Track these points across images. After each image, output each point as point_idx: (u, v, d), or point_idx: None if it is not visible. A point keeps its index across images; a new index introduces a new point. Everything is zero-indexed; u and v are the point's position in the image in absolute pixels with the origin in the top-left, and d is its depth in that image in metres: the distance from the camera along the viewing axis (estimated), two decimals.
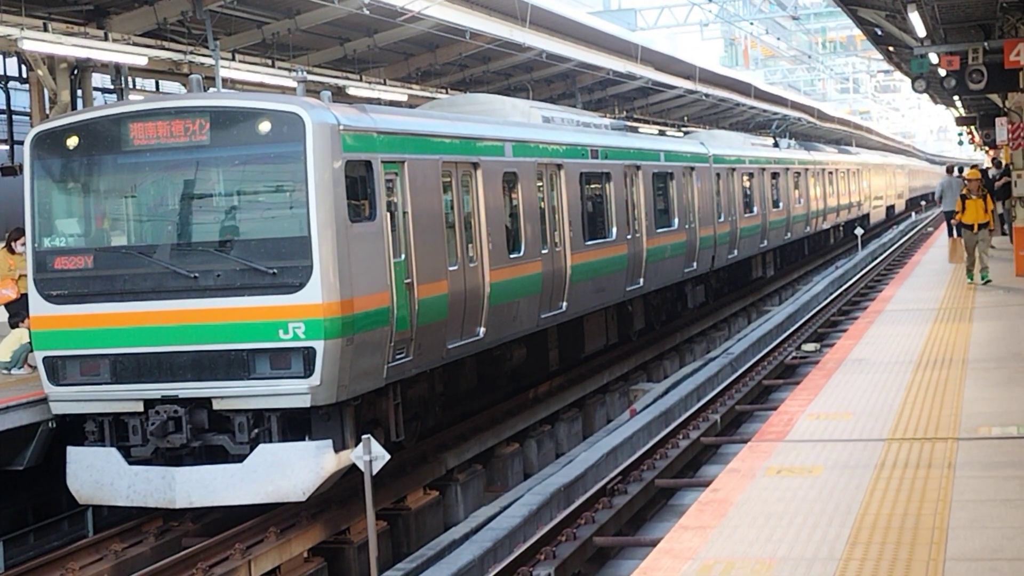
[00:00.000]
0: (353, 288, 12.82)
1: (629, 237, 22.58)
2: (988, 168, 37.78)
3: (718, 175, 29.88)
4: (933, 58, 22.60)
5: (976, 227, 21.61)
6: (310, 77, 25.49)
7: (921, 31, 20.84)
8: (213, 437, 12.86)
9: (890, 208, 66.40)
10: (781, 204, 37.26)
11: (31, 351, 14.43)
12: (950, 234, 32.14)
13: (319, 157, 12.68)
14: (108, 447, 13.11)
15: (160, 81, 26.99)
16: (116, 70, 22.10)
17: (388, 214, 13.77)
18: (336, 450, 12.80)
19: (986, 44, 21.69)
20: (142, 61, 21.61)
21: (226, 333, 12.65)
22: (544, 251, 18.57)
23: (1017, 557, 7.12)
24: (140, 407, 12.93)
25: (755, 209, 33.75)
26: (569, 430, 20.40)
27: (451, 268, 15.29)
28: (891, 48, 29.23)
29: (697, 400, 19.64)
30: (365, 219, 13.33)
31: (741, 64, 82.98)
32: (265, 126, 12.81)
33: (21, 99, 25.37)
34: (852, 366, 14.42)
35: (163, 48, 22.22)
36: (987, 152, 51.71)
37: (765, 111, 57.71)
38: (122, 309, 12.95)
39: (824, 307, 29.70)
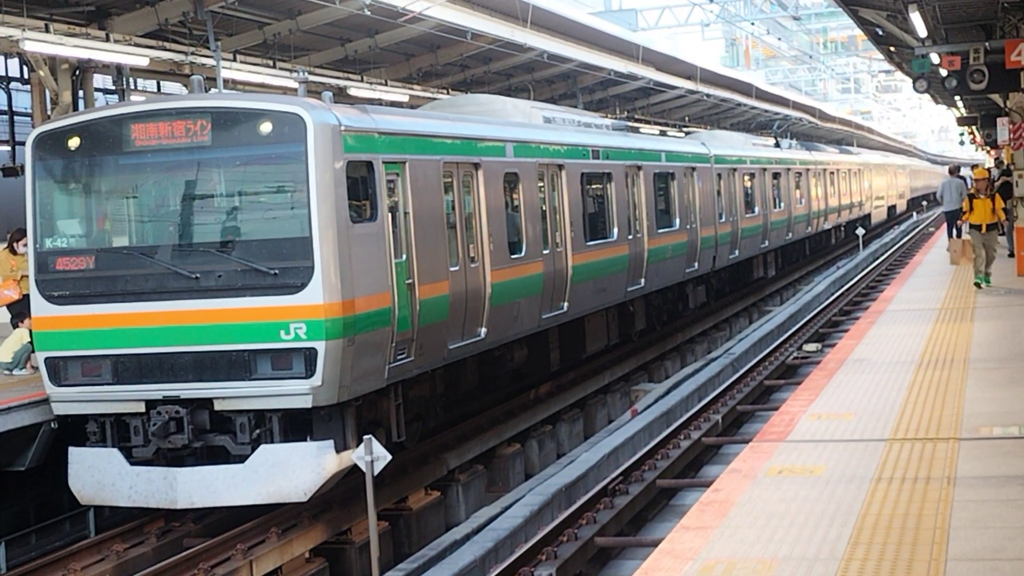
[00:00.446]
0: (354, 289, 12.82)
1: (630, 237, 22.58)
2: (991, 168, 37.82)
3: (719, 175, 29.88)
4: (934, 58, 22.59)
5: (984, 228, 21.33)
6: (311, 78, 25.50)
7: (922, 31, 20.84)
8: (215, 438, 12.86)
9: (891, 208, 66.41)
10: (782, 204, 37.26)
11: (33, 352, 14.44)
12: (949, 235, 32.48)
13: (320, 158, 12.68)
14: (110, 448, 13.12)
15: (161, 82, 27.02)
16: (117, 71, 22.10)
17: (389, 215, 13.78)
18: (337, 450, 12.81)
19: (987, 44, 21.67)
20: (143, 62, 21.61)
21: (227, 334, 12.66)
22: (545, 252, 18.57)
23: (1019, 557, 7.12)
24: (142, 408, 12.93)
25: (756, 209, 33.76)
26: (570, 430, 20.39)
27: (452, 268, 15.29)
28: (892, 48, 29.22)
29: (698, 400, 19.63)
30: (366, 220, 13.33)
31: (742, 64, 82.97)
32: (266, 127, 12.82)
33: (23, 100, 25.39)
34: (853, 366, 14.41)
35: (164, 49, 22.22)
36: (988, 152, 51.70)
37: (766, 111, 57.70)
38: (124, 310, 12.96)
39: (825, 307, 29.69)
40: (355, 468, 12.00)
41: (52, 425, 13.64)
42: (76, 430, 13.48)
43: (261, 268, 12.64)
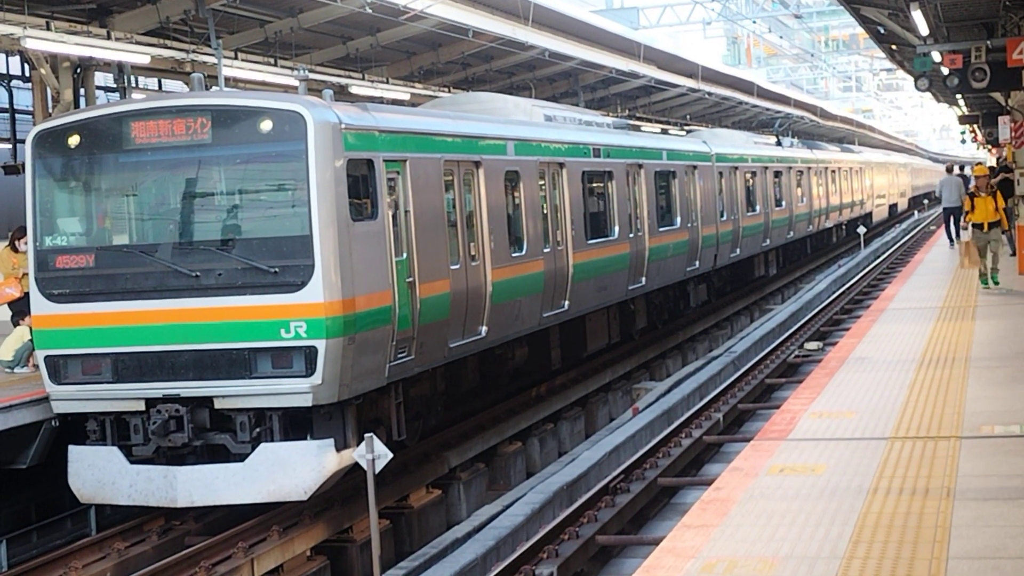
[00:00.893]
0: (355, 287, 12.81)
1: (631, 236, 22.57)
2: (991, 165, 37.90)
3: (721, 174, 29.87)
4: (936, 56, 22.57)
5: (986, 226, 20.96)
6: (313, 76, 25.50)
7: (924, 29, 20.81)
8: (215, 436, 12.84)
9: (893, 207, 66.38)
10: (784, 203, 37.24)
11: (34, 350, 14.44)
12: (948, 231, 33.10)
13: (321, 156, 12.67)
14: (110, 446, 13.10)
15: (163, 80, 27.00)
16: (119, 69, 22.10)
17: (390, 213, 13.76)
18: (338, 449, 12.79)
19: (989, 42, 21.63)
20: (145, 60, 21.61)
21: (227, 332, 12.64)
22: (546, 250, 18.55)
23: (1020, 555, 7.11)
24: (141, 406, 12.91)
25: (758, 208, 33.75)
26: (572, 429, 20.39)
27: (453, 267, 15.27)
28: (894, 46, 29.20)
29: (700, 399, 19.62)
30: (367, 218, 13.31)
31: (744, 62, 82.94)
32: (267, 125, 12.79)
33: (24, 98, 25.38)
34: (855, 365, 14.40)
35: (166, 47, 22.22)
36: (990, 151, 51.69)
37: (768, 110, 57.67)
38: (124, 308, 12.94)
39: (827, 306, 29.68)
40: (356, 466, 11.99)
41: (53, 423, 13.63)
42: (77, 428, 13.46)
43: (261, 266, 12.63)
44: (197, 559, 12.45)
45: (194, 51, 22.45)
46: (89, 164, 13.47)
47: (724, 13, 49.76)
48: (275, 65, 25.07)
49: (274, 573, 12.86)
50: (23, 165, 13.92)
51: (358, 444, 12.79)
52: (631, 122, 34.77)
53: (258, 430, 12.76)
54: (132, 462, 12.99)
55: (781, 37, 67.99)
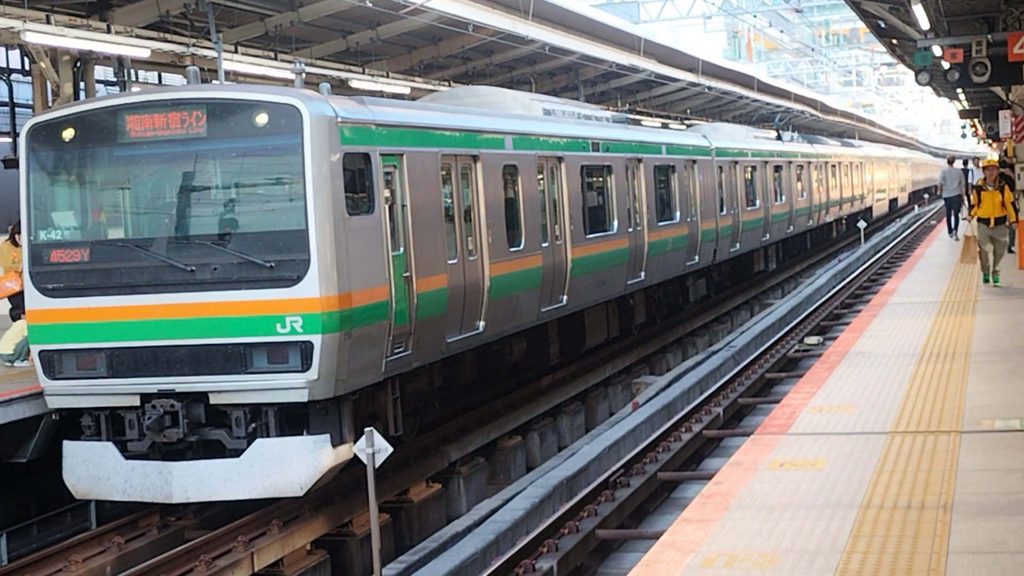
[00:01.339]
0: (351, 282, 12.73)
1: (630, 230, 22.50)
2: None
3: (720, 168, 29.83)
4: (936, 51, 22.56)
5: (992, 221, 20.27)
6: (313, 70, 25.51)
7: (924, 24, 20.80)
8: (210, 431, 12.76)
9: (893, 201, 66.35)
10: (784, 197, 37.22)
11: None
12: (949, 220, 33.93)
13: (317, 150, 12.58)
14: (104, 441, 13.02)
15: (163, 74, 27.00)
16: (119, 62, 22.11)
17: (386, 207, 13.66)
18: (334, 445, 12.70)
19: (990, 37, 21.61)
20: (145, 54, 21.61)
21: (223, 327, 12.55)
22: (544, 244, 18.47)
23: (1020, 550, 7.11)
24: (136, 401, 12.82)
25: (757, 202, 33.72)
26: (572, 423, 20.40)
27: (450, 262, 15.18)
28: (894, 41, 29.15)
29: (700, 393, 19.62)
30: (363, 212, 13.21)
31: (744, 57, 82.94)
32: (262, 118, 12.69)
33: (24, 91, 25.38)
34: (855, 359, 14.40)
35: (166, 40, 22.21)
36: (990, 145, 51.69)
37: (768, 104, 57.65)
38: (118, 302, 12.85)
39: (827, 300, 29.68)
40: (356, 460, 11.97)
41: (53, 417, 13.61)
42: (77, 423, 13.40)
43: (257, 261, 12.53)
44: (197, 553, 12.44)
45: (194, 45, 22.44)
46: (83, 158, 13.37)
47: (724, 7, 49.75)
48: (275, 59, 25.06)
49: (274, 567, 12.84)
50: None
51: (354, 440, 12.73)
52: (631, 116, 34.74)
53: (254, 425, 12.67)
54: (127, 458, 12.91)
55: (781, 31, 67.98)
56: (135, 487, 12.84)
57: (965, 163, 39.17)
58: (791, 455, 9.80)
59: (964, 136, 71.16)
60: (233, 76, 23.89)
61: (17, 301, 16.21)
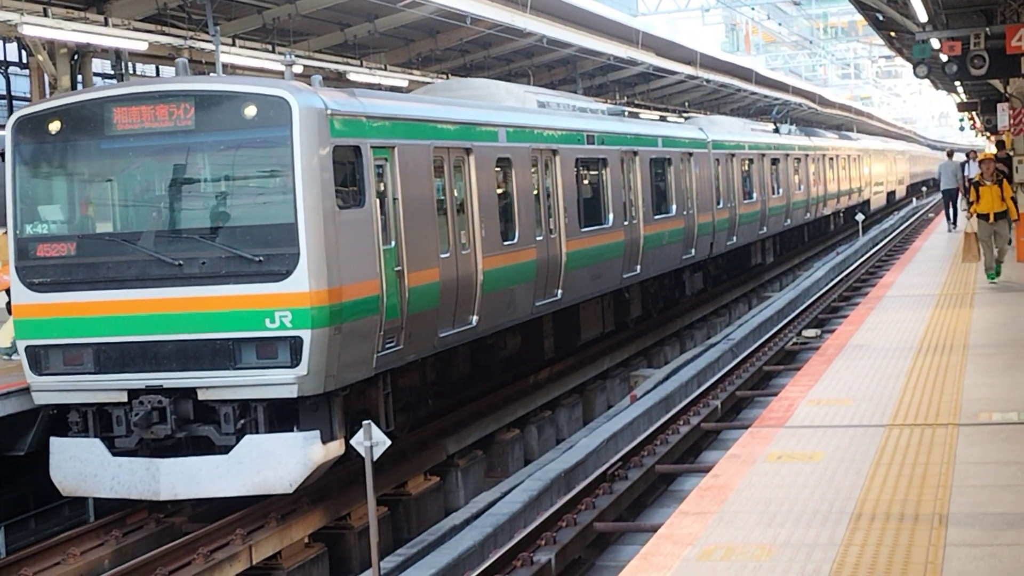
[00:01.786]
0: (341, 276, 12.56)
1: (626, 224, 22.38)
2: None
3: (717, 161, 29.78)
4: (935, 43, 22.50)
5: (992, 216, 19.73)
6: (311, 63, 25.49)
7: (923, 16, 20.76)
8: (198, 428, 12.59)
9: (891, 194, 66.36)
10: (781, 190, 37.20)
11: None
12: (947, 212, 35.03)
13: (306, 142, 12.42)
14: (92, 438, 12.86)
15: (160, 66, 26.97)
16: (116, 55, 22.10)
17: (377, 200, 13.50)
18: (324, 441, 12.55)
19: (988, 29, 21.57)
20: (142, 46, 21.60)
21: (211, 322, 12.40)
22: (539, 238, 18.30)
23: (1017, 543, 7.11)
24: (124, 397, 12.66)
25: (754, 195, 33.68)
26: (569, 416, 20.40)
27: (443, 255, 15.01)
28: (892, 33, 29.13)
29: (698, 386, 19.62)
30: (354, 205, 13.05)
31: (742, 50, 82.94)
32: (251, 110, 12.53)
33: (21, 84, 25.35)
34: (853, 352, 14.40)
35: (163, 33, 22.20)
36: (988, 138, 51.68)
37: (766, 97, 57.65)
38: (105, 297, 12.69)
39: (825, 293, 29.68)
40: (354, 453, 11.96)
41: (52, 411, 13.60)
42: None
43: (245, 255, 12.37)
44: (195, 546, 12.41)
45: (192, 38, 22.42)
46: (70, 150, 13.19)
47: (722, 0, 49.68)
48: (273, 52, 25.04)
49: (272, 560, 12.82)
50: None
51: (345, 436, 12.65)
52: (629, 109, 34.74)
53: (242, 422, 12.51)
54: (115, 454, 12.75)
55: (780, 24, 67.96)
56: (122, 484, 12.67)
57: (968, 156, 39.49)
58: (789, 448, 9.80)
59: (962, 129, 71.11)
60: (231, 69, 23.87)
61: None
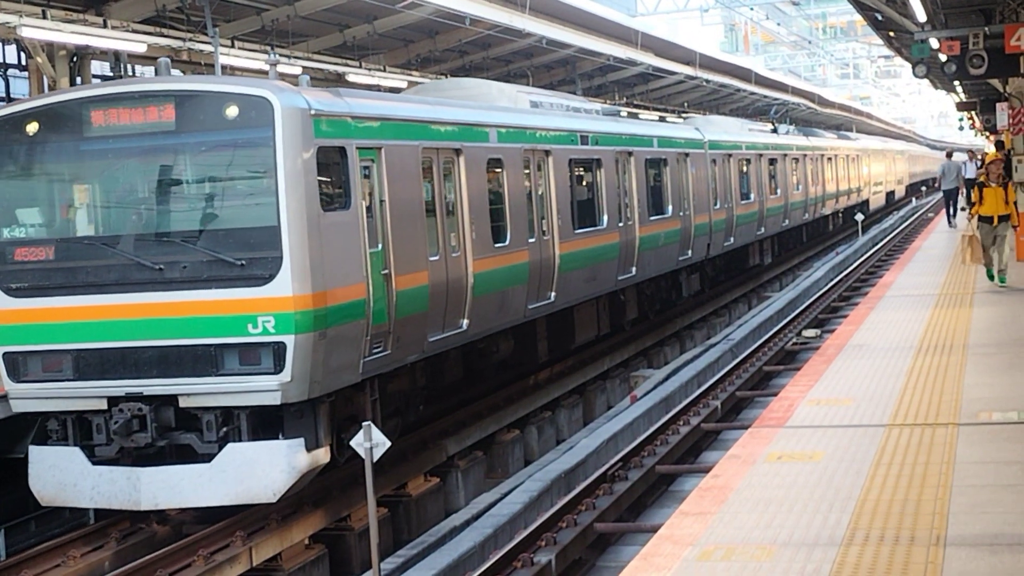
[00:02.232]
0: (326, 280, 12.31)
1: (621, 225, 22.08)
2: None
3: (714, 161, 29.64)
4: (933, 43, 22.50)
5: (996, 220, 19.28)
6: (310, 64, 25.50)
7: (921, 16, 20.76)
8: (180, 436, 12.34)
9: (890, 194, 66.34)
10: (779, 191, 37.15)
11: None
12: (947, 211, 36.09)
13: (289, 143, 12.15)
14: (71, 447, 12.60)
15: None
16: (115, 57, 22.08)
17: (364, 203, 13.25)
18: (309, 448, 12.30)
19: (987, 29, 21.56)
20: (141, 48, 21.59)
21: (193, 327, 12.14)
22: (531, 240, 18.03)
23: (1018, 542, 7.10)
24: (104, 405, 12.39)
25: (752, 196, 33.58)
26: (570, 416, 20.39)
27: (432, 258, 14.76)
28: (891, 33, 29.13)
29: (697, 386, 19.60)
30: (339, 208, 12.78)
31: (741, 50, 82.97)
32: (233, 111, 12.27)
33: (20, 87, 25.34)
34: (852, 352, 14.42)
35: (162, 35, 22.20)
36: (988, 138, 51.72)
37: (765, 97, 57.65)
38: (84, 302, 12.44)
39: (824, 293, 29.66)
40: (353, 455, 11.94)
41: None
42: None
43: (228, 259, 12.12)
44: (195, 548, 12.36)
45: (190, 39, 22.42)
46: (48, 152, 12.93)
47: (721, 0, 49.70)
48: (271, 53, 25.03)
49: (272, 561, 12.79)
50: None
51: (331, 443, 12.46)
52: (628, 109, 34.73)
53: (225, 429, 12.23)
54: (95, 463, 12.49)
55: (779, 24, 67.97)
56: (103, 494, 12.42)
57: (971, 156, 39.92)
58: (789, 448, 9.81)
59: (961, 128, 71.17)
60: (230, 70, 23.88)
61: None
